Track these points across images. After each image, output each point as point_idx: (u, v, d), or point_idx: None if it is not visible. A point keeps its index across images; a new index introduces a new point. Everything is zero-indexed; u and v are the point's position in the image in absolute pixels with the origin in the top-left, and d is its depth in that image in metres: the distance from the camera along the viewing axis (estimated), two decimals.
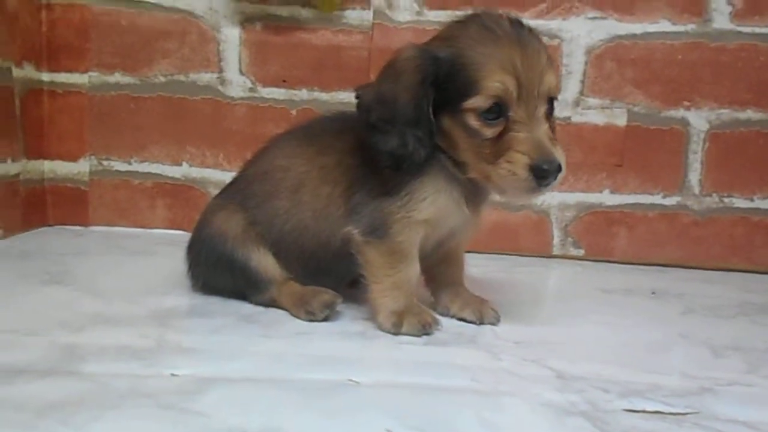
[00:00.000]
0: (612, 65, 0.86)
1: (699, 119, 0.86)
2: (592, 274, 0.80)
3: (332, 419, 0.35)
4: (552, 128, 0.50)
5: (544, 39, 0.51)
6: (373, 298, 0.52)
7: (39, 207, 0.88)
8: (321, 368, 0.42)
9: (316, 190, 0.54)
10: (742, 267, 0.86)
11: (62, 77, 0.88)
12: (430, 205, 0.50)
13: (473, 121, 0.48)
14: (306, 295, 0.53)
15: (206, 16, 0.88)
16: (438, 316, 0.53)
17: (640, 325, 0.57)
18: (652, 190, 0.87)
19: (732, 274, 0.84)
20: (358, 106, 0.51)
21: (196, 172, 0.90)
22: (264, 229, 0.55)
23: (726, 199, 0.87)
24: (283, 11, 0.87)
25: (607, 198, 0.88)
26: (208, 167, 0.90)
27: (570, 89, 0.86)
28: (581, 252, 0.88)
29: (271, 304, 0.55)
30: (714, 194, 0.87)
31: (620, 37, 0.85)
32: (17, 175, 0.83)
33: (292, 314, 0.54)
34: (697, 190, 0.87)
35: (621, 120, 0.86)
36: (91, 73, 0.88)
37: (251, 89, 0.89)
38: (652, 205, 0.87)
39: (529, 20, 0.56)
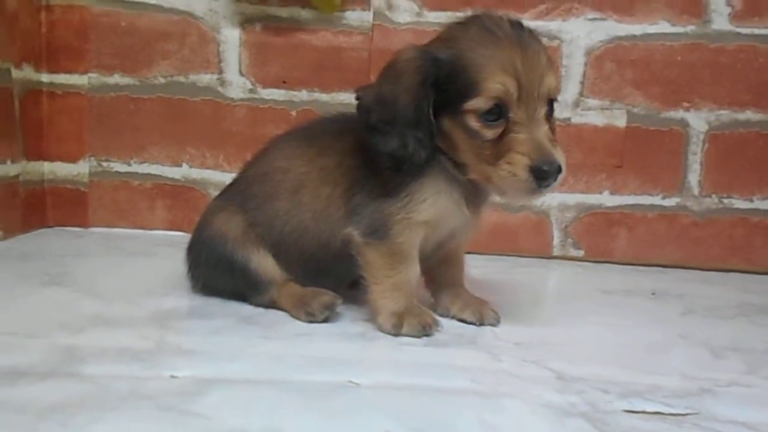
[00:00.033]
0: (611, 66, 0.86)
1: (698, 120, 0.86)
2: (592, 275, 0.80)
3: (332, 420, 0.35)
4: (552, 129, 0.50)
5: (544, 40, 0.51)
6: (373, 300, 0.52)
7: (39, 208, 0.88)
8: (321, 369, 0.42)
9: (316, 191, 0.54)
10: (742, 268, 0.86)
11: (62, 78, 0.88)
12: (430, 207, 0.50)
13: (473, 123, 0.48)
14: (306, 297, 0.53)
15: (206, 17, 0.88)
16: (438, 318, 0.53)
17: (640, 325, 0.57)
18: (652, 191, 0.87)
19: (731, 274, 0.84)
20: (359, 107, 0.51)
21: (196, 173, 0.90)
22: (264, 231, 0.55)
23: (725, 200, 0.87)
24: (283, 12, 0.87)
25: (607, 199, 0.88)
26: (208, 168, 0.90)
27: (570, 90, 0.86)
28: (581, 253, 0.88)
29: (271, 305, 0.55)
30: (713, 195, 0.87)
31: (620, 38, 0.85)
32: (17, 176, 0.83)
33: (292, 315, 0.54)
34: (696, 191, 0.87)
35: (621, 121, 0.86)
36: (90, 75, 0.88)
37: (251, 90, 0.89)
38: (652, 206, 0.87)
39: (529, 21, 0.56)
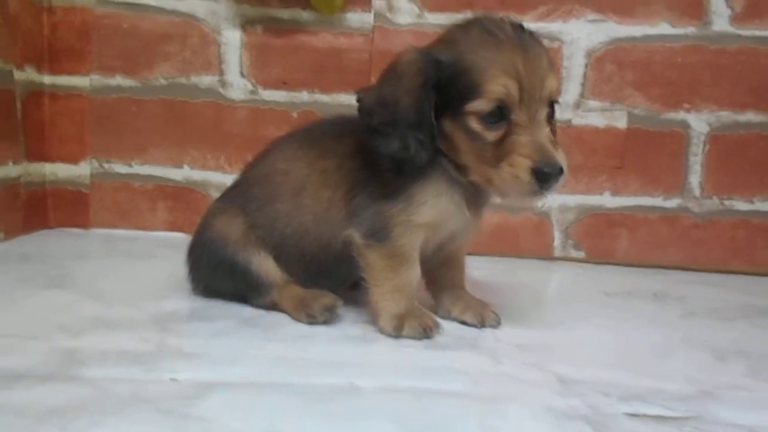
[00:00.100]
0: (612, 68, 0.86)
1: (699, 122, 0.86)
2: (593, 277, 0.80)
3: (333, 424, 0.35)
4: (553, 131, 0.50)
5: (545, 42, 0.51)
6: (374, 302, 0.52)
7: (40, 210, 0.88)
8: (322, 372, 0.42)
9: (317, 193, 0.54)
10: (743, 269, 0.86)
11: (63, 80, 0.89)
12: (431, 209, 0.50)
13: (475, 125, 0.48)
14: (307, 299, 0.53)
15: (207, 19, 0.88)
16: (439, 320, 0.53)
17: (641, 328, 0.57)
18: (653, 193, 0.87)
19: (733, 276, 0.84)
20: (359, 109, 0.51)
21: (197, 175, 0.90)
22: (265, 233, 0.55)
23: (726, 202, 0.87)
24: (284, 14, 0.87)
25: (608, 200, 0.88)
26: (209, 170, 0.90)
27: (570, 92, 0.86)
28: (582, 254, 0.88)
29: (272, 307, 0.55)
30: (714, 197, 0.87)
31: (620, 39, 0.85)
32: (18, 177, 0.83)
33: (292, 317, 0.54)
34: (697, 193, 0.87)
35: (621, 122, 0.86)
36: (92, 76, 0.88)
37: (252, 92, 0.89)
38: (653, 208, 0.87)
39: (530, 23, 0.56)
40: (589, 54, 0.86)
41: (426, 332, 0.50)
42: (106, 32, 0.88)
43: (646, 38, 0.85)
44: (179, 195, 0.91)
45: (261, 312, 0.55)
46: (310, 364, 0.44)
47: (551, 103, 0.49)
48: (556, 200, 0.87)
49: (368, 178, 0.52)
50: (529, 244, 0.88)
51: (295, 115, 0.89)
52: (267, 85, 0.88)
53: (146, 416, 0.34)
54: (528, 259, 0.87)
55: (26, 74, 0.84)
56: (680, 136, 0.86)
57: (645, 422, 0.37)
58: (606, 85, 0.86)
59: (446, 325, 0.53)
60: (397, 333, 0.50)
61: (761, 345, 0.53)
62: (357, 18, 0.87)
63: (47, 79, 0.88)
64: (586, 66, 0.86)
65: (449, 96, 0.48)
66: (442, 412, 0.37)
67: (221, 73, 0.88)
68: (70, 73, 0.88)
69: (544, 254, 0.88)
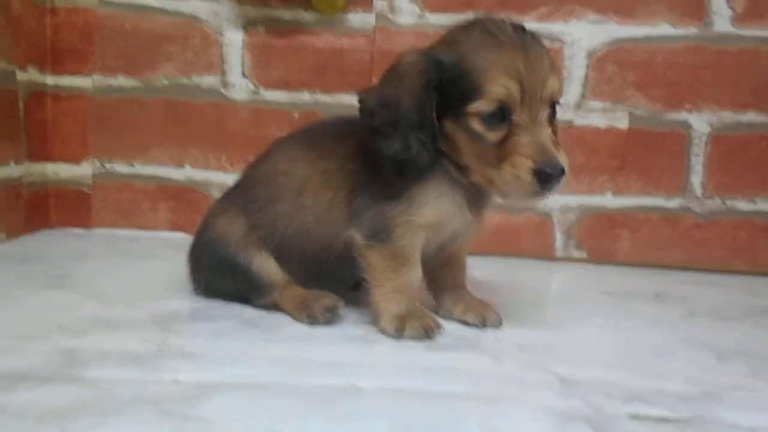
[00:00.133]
0: (613, 68, 0.86)
1: (701, 122, 0.86)
2: (595, 277, 0.80)
3: (334, 425, 0.35)
4: (554, 132, 0.50)
5: (546, 42, 0.51)
6: (376, 302, 0.52)
7: (42, 210, 0.88)
8: (323, 373, 0.42)
9: (318, 194, 0.54)
10: (745, 269, 0.86)
11: (66, 80, 0.89)
12: (432, 209, 0.50)
13: (477, 125, 0.48)
14: (308, 299, 0.53)
15: (209, 19, 0.88)
16: (440, 320, 0.53)
17: (643, 328, 0.57)
18: (655, 193, 0.87)
19: (735, 276, 0.84)
20: (361, 109, 0.51)
21: (198, 175, 0.90)
22: (266, 233, 0.55)
23: (728, 202, 0.86)
24: (286, 14, 0.87)
25: (609, 200, 0.87)
26: (210, 170, 0.90)
27: (572, 92, 0.86)
28: (584, 254, 0.88)
29: (273, 307, 0.55)
30: (716, 197, 0.86)
31: (621, 40, 0.85)
32: (20, 178, 0.83)
33: (293, 318, 0.54)
34: (699, 193, 0.86)
35: (623, 123, 0.86)
36: (94, 76, 0.88)
37: (254, 92, 0.89)
38: (655, 208, 0.87)
39: (531, 23, 0.56)
40: (590, 54, 0.86)
41: (427, 333, 0.50)
42: (109, 33, 0.88)
43: (648, 39, 0.85)
44: (181, 195, 0.91)
45: (262, 312, 0.55)
46: (312, 364, 0.44)
47: (552, 104, 0.49)
48: (557, 200, 0.87)
49: (369, 179, 0.52)
50: (531, 244, 0.88)
51: (296, 115, 0.89)
52: (269, 86, 0.88)
53: (147, 417, 0.34)
54: (529, 259, 0.87)
55: (29, 75, 0.84)
56: (682, 137, 0.86)
57: (647, 423, 0.36)
58: (607, 85, 0.86)
59: (447, 325, 0.53)
60: (398, 334, 0.50)
61: (763, 345, 0.53)
62: (358, 18, 0.87)
63: (50, 80, 0.88)
64: (588, 66, 0.86)
65: (451, 97, 0.48)
66: (443, 413, 0.37)
67: (223, 73, 0.89)
68: (73, 73, 0.89)
69: (546, 254, 0.88)
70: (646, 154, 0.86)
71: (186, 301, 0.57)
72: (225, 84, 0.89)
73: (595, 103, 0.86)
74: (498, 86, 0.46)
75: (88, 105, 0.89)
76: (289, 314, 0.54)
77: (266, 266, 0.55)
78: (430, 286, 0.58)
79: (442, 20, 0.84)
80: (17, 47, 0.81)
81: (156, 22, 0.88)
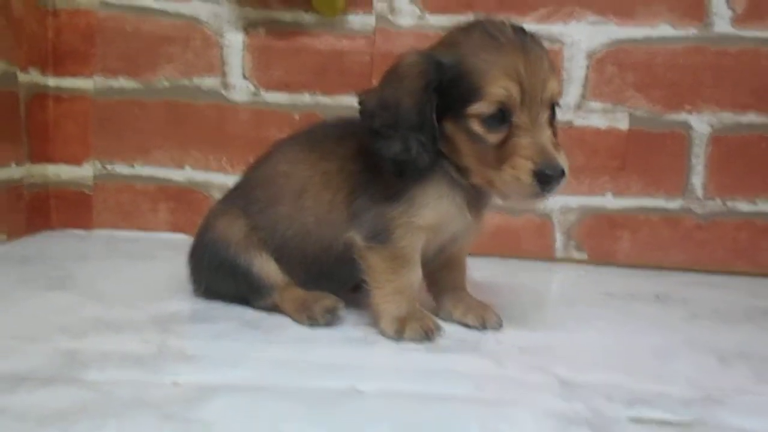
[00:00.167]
0: (613, 69, 0.86)
1: (701, 123, 0.86)
2: (595, 278, 0.80)
3: (335, 427, 0.35)
4: (554, 133, 0.50)
5: (545, 43, 0.51)
6: (376, 304, 0.52)
7: (42, 211, 0.89)
8: (324, 375, 0.42)
9: (318, 195, 0.54)
10: (747, 271, 0.85)
11: (67, 82, 0.89)
12: (432, 211, 0.50)
13: (477, 127, 0.48)
14: (308, 301, 0.53)
15: (210, 21, 0.88)
16: (440, 322, 0.53)
17: (645, 330, 0.57)
18: (655, 194, 0.87)
19: (736, 277, 0.83)
20: (361, 111, 0.51)
21: (199, 176, 0.91)
22: (266, 235, 0.55)
23: (729, 203, 0.86)
24: (286, 16, 0.87)
25: (610, 201, 0.87)
26: (210, 171, 0.90)
27: (572, 93, 0.86)
28: (584, 255, 0.88)
29: (274, 309, 0.55)
30: (717, 198, 0.86)
31: (621, 41, 0.85)
32: (21, 179, 0.83)
33: (294, 319, 0.54)
34: (700, 194, 0.86)
35: (623, 124, 0.86)
36: (95, 78, 0.89)
37: (254, 94, 0.89)
38: (655, 209, 0.87)
39: (530, 25, 0.56)
40: (590, 56, 0.86)
41: (427, 335, 0.50)
42: (110, 35, 0.88)
43: (647, 40, 0.85)
44: (181, 196, 0.91)
45: (262, 314, 0.55)
46: (312, 366, 0.44)
47: (552, 106, 0.49)
48: (557, 202, 0.87)
49: (369, 181, 0.52)
50: (531, 245, 0.88)
51: (296, 117, 0.89)
52: (269, 87, 0.89)
53: (148, 419, 0.34)
54: (529, 260, 0.87)
55: (30, 76, 0.85)
56: (682, 138, 0.86)
57: (648, 427, 0.36)
58: (607, 86, 0.86)
59: (448, 327, 0.53)
60: (398, 335, 0.50)
61: (765, 348, 0.53)
62: (358, 20, 0.87)
63: (51, 81, 0.88)
64: (587, 68, 0.86)
65: (451, 98, 0.48)
66: (443, 416, 0.37)
67: (223, 75, 0.89)
68: (74, 75, 0.89)
69: (546, 256, 0.88)
70: (647, 155, 0.86)
71: (186, 303, 0.57)
72: (225, 85, 0.89)
73: (595, 104, 0.86)
74: (498, 88, 0.46)
75: (89, 106, 0.89)
76: (290, 316, 0.54)
77: (266, 268, 0.55)
78: (430, 288, 0.58)
79: (442, 22, 0.84)
80: (19, 49, 0.81)
81: (157, 24, 0.88)
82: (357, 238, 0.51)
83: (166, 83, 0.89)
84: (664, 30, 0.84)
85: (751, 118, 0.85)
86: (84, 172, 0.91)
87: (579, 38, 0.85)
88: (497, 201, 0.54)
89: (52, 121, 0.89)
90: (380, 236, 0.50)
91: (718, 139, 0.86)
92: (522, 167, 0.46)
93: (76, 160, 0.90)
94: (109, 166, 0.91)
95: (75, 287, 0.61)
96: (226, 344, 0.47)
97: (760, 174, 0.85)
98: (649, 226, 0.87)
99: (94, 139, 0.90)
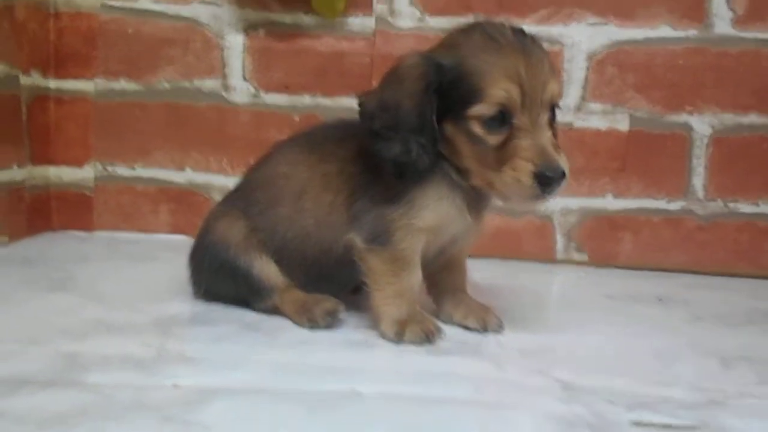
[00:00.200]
0: (613, 70, 0.86)
1: (702, 124, 0.85)
2: (596, 280, 0.79)
3: (335, 430, 0.35)
4: (554, 135, 0.50)
5: (545, 45, 0.51)
6: (376, 306, 0.51)
7: (44, 213, 0.89)
8: (324, 378, 0.42)
9: (318, 197, 0.54)
10: (749, 272, 0.85)
11: (68, 84, 0.89)
12: (432, 213, 0.50)
13: (477, 129, 0.48)
14: (308, 303, 0.53)
15: (210, 23, 0.88)
16: (441, 324, 0.52)
17: (646, 333, 0.57)
18: (656, 195, 0.86)
19: (738, 279, 0.83)
20: (361, 113, 0.51)
21: (199, 178, 0.91)
22: (266, 237, 0.55)
23: (731, 204, 0.86)
24: (286, 18, 0.88)
25: (611, 203, 0.87)
26: (211, 173, 0.90)
27: (572, 94, 0.86)
28: (585, 257, 0.88)
29: (274, 311, 0.55)
30: (718, 199, 0.86)
31: (621, 42, 0.85)
32: (23, 181, 0.83)
33: (294, 322, 0.53)
34: (701, 195, 0.86)
35: (623, 125, 0.86)
36: (96, 80, 0.89)
37: (254, 95, 0.89)
38: (657, 210, 0.87)
39: (530, 26, 0.56)
40: (590, 57, 0.86)
41: (428, 337, 0.50)
42: (111, 37, 0.88)
43: (647, 41, 0.84)
44: (182, 198, 0.91)
45: (262, 316, 0.55)
46: (312, 369, 0.43)
47: (552, 107, 0.49)
48: (558, 203, 0.87)
49: (369, 182, 0.52)
50: (532, 247, 0.88)
51: (296, 118, 0.89)
52: (269, 89, 0.89)
53: (148, 422, 0.34)
54: (530, 262, 0.87)
55: (32, 79, 0.85)
56: (683, 139, 0.86)
57: (651, 431, 0.36)
58: (607, 87, 0.86)
59: (448, 329, 0.53)
60: (398, 338, 0.50)
61: None
62: (359, 22, 0.87)
63: (53, 84, 0.89)
64: (587, 69, 0.86)
65: (451, 100, 0.48)
66: (443, 419, 0.36)
67: (224, 77, 0.89)
68: (75, 77, 0.89)
69: (547, 257, 0.88)
70: (647, 156, 0.86)
71: (186, 305, 0.57)
72: (226, 87, 0.89)
73: (595, 106, 0.86)
74: (499, 90, 0.46)
75: (90, 108, 0.90)
76: (290, 318, 0.54)
77: (266, 270, 0.55)
78: (431, 290, 0.58)
79: (442, 23, 0.84)
80: (21, 52, 0.82)
81: (157, 27, 0.88)
82: (357, 240, 0.51)
83: (166, 85, 0.89)
84: (664, 31, 0.84)
85: (752, 119, 0.85)
86: (85, 173, 0.91)
87: (579, 39, 0.85)
88: (497, 203, 0.54)
89: (53, 123, 0.89)
90: (380, 238, 0.50)
91: (719, 140, 0.85)
92: (523, 169, 0.46)
93: (78, 162, 0.91)
94: (110, 168, 0.91)
95: (76, 289, 0.61)
96: (227, 347, 0.47)
97: (762, 175, 0.85)
98: (650, 227, 0.87)
99: (95, 141, 0.90)
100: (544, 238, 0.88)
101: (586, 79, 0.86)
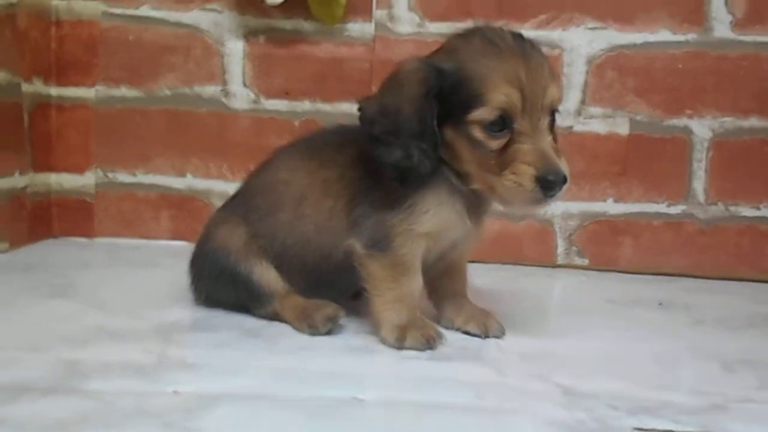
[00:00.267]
0: (613, 74, 0.86)
1: (702, 128, 0.85)
2: (597, 284, 0.79)
3: None
4: (555, 140, 0.50)
5: (545, 49, 0.51)
6: (376, 312, 0.51)
7: (45, 219, 0.89)
8: (325, 385, 0.42)
9: (318, 203, 0.54)
10: (750, 276, 0.85)
11: (70, 91, 0.90)
12: (432, 218, 0.50)
13: (478, 133, 0.48)
14: (308, 309, 0.53)
15: (211, 30, 0.89)
16: (442, 330, 0.52)
17: (648, 337, 0.56)
18: (657, 199, 0.86)
19: (740, 283, 0.83)
20: (361, 118, 0.51)
21: (199, 184, 0.91)
22: (267, 243, 0.55)
23: (732, 208, 0.86)
24: (286, 24, 0.88)
25: (611, 207, 0.87)
26: (211, 179, 0.91)
27: (571, 99, 0.86)
28: (586, 261, 0.88)
29: (274, 317, 0.55)
30: (719, 203, 0.86)
31: (621, 46, 0.85)
32: (25, 188, 0.84)
33: (294, 328, 0.53)
34: (702, 199, 0.86)
35: (623, 129, 0.86)
36: (97, 87, 0.90)
37: (254, 101, 0.90)
38: (657, 214, 0.86)
39: (530, 31, 0.57)
40: (589, 61, 0.86)
41: (429, 343, 0.49)
42: (112, 45, 0.89)
43: (647, 45, 0.85)
44: (182, 204, 0.91)
45: (263, 322, 0.55)
46: (312, 375, 0.43)
47: (553, 112, 0.50)
48: (558, 207, 0.86)
49: (369, 188, 0.52)
50: (532, 251, 0.88)
51: (296, 124, 0.89)
52: (269, 95, 0.89)
53: (149, 429, 0.34)
54: (531, 266, 0.86)
55: (34, 86, 0.86)
56: (683, 142, 0.86)
57: None
58: (607, 91, 0.86)
59: (449, 335, 0.53)
60: (399, 344, 0.50)
61: None
62: (358, 28, 0.88)
63: (54, 91, 0.89)
64: (587, 73, 0.86)
65: (451, 105, 0.48)
66: (444, 424, 0.36)
67: (224, 83, 0.89)
68: (77, 84, 0.90)
69: (547, 262, 0.87)
70: (648, 160, 0.86)
71: (187, 311, 0.58)
72: (226, 93, 0.89)
73: (595, 110, 0.86)
74: (499, 94, 0.46)
75: (91, 115, 0.90)
76: (290, 324, 0.54)
77: (267, 276, 0.55)
78: (431, 295, 0.58)
79: (442, 29, 0.85)
80: (23, 60, 0.82)
81: (158, 34, 0.89)
82: (357, 245, 0.51)
83: (167, 92, 0.90)
84: (663, 35, 0.85)
85: (752, 122, 0.85)
86: (86, 180, 0.91)
87: (578, 44, 0.86)
88: (497, 207, 0.54)
89: (54, 130, 0.90)
90: (380, 244, 0.50)
91: (720, 144, 0.85)
92: (524, 173, 0.46)
93: (79, 169, 0.91)
94: (110, 175, 0.91)
95: (77, 295, 0.61)
96: (227, 353, 0.47)
97: (763, 178, 0.85)
98: (651, 231, 0.86)
99: (96, 148, 0.91)
100: (544, 242, 0.88)
101: (586, 83, 0.86)
